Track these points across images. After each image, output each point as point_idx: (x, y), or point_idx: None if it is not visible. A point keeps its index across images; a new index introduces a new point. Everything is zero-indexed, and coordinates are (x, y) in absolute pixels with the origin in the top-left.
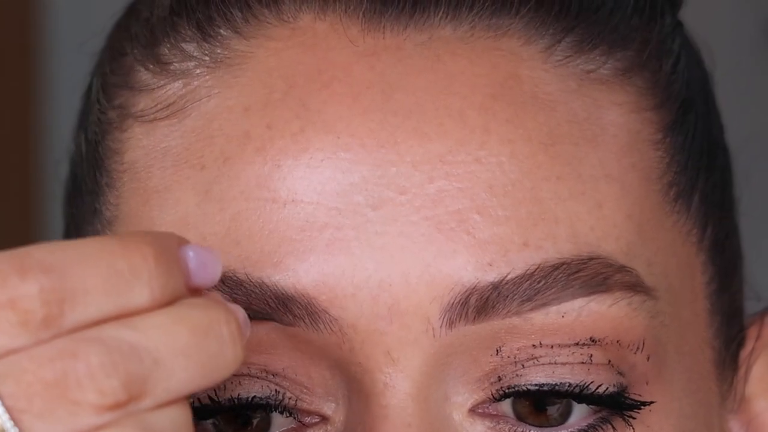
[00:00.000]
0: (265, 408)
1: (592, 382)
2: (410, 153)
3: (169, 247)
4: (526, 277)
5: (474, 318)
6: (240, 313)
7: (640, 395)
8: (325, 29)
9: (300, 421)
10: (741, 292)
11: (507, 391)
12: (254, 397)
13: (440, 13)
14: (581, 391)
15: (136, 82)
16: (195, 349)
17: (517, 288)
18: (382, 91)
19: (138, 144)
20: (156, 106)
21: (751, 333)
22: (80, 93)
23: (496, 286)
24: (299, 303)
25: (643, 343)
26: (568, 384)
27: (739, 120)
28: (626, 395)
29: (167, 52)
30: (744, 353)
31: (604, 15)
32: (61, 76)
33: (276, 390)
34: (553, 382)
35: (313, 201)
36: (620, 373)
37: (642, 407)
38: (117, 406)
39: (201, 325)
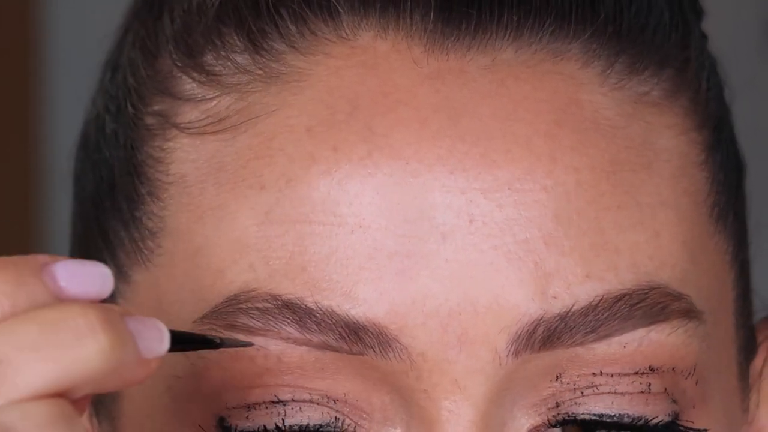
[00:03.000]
0: None
1: (649, 415)
2: (479, 180)
3: (21, 262)
4: (591, 308)
5: (539, 348)
6: (151, 326)
7: (690, 420)
8: (387, 49)
9: None
10: (752, 302)
11: (566, 418)
12: (318, 426)
13: (502, 36)
14: (642, 424)
15: (180, 91)
16: (44, 344)
17: (582, 319)
18: (449, 116)
19: (186, 157)
20: (206, 118)
21: (762, 344)
22: (80, 93)
23: (563, 318)
24: (371, 332)
25: (695, 369)
26: (626, 415)
27: (739, 120)
28: (679, 423)
29: (214, 62)
30: (756, 362)
31: (649, 34)
32: (60, 76)
33: (336, 417)
34: (612, 413)
35: (382, 227)
36: (674, 401)
37: None
38: None
39: (50, 320)
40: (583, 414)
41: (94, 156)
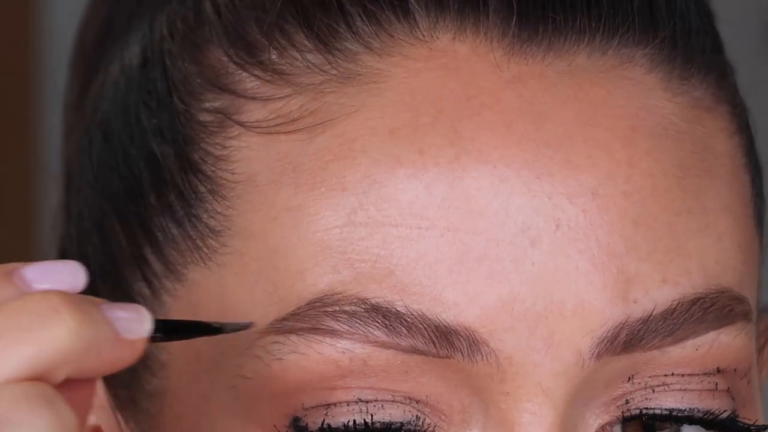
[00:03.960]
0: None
1: (717, 409)
2: (564, 185)
3: None
4: (669, 312)
5: (620, 351)
6: (130, 309)
7: (747, 419)
8: (466, 52)
9: None
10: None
11: (636, 413)
12: (401, 424)
13: (577, 40)
14: (712, 419)
15: (242, 89)
16: (10, 328)
17: (662, 323)
18: (533, 120)
19: (255, 156)
20: (276, 118)
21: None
22: None
23: (645, 322)
24: (461, 336)
25: (750, 369)
26: (697, 410)
27: None
28: (739, 420)
29: (279, 60)
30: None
31: (695, 39)
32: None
33: (417, 416)
34: (683, 407)
35: (470, 231)
36: (734, 399)
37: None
38: None
39: (13, 308)
40: (654, 408)
41: (126, 150)
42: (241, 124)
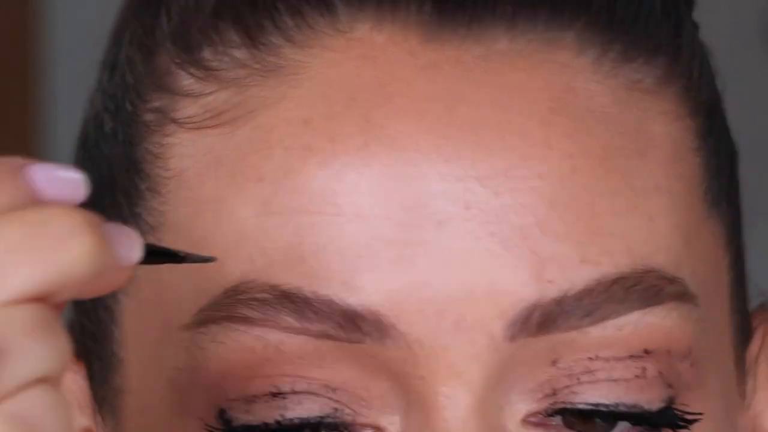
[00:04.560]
0: (327, 428)
1: (645, 402)
2: (475, 168)
3: None
4: (586, 292)
5: (536, 332)
6: (128, 234)
7: (685, 404)
8: (383, 41)
9: None
10: (747, 288)
11: (560, 407)
12: (317, 419)
13: (497, 25)
14: (637, 413)
15: (178, 87)
16: (30, 245)
17: (578, 303)
18: (445, 105)
19: (185, 152)
20: (205, 113)
21: (757, 330)
22: (80, 93)
23: (558, 302)
24: (368, 320)
25: (690, 351)
26: (622, 404)
27: (739, 120)
28: (674, 407)
29: (211, 57)
30: (752, 349)
31: (642, 22)
32: (60, 75)
33: (335, 408)
34: (608, 402)
35: (379, 216)
36: (669, 385)
37: (690, 422)
38: None
39: (35, 222)
40: (579, 404)
41: (92, 154)
42: (175, 121)
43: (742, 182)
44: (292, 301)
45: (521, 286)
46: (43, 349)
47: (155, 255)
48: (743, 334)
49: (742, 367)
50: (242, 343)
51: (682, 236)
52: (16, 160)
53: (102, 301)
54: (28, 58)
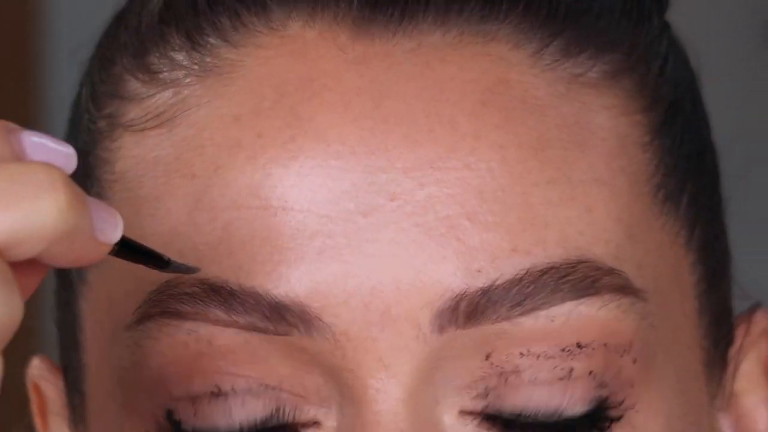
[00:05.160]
0: (270, 430)
1: (566, 408)
2: (401, 160)
3: None
4: (515, 282)
5: (464, 323)
6: (109, 211)
7: (623, 399)
8: (314, 37)
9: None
10: (730, 292)
11: (490, 413)
12: (265, 419)
13: (429, 20)
14: (555, 421)
15: (126, 92)
16: (1, 190)
17: (507, 293)
18: (372, 98)
19: (128, 153)
20: (146, 115)
21: (740, 331)
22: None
23: (486, 292)
24: (293, 311)
25: (631, 346)
26: (542, 414)
27: (739, 120)
28: (603, 409)
29: (156, 61)
30: (732, 351)
31: (591, 18)
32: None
33: (277, 407)
34: (528, 414)
35: (304, 209)
36: (601, 385)
37: (613, 423)
38: None
39: (12, 171)
40: (504, 412)
41: None
42: (122, 125)
43: (741, 182)
44: (219, 294)
45: (448, 276)
46: None
47: (139, 253)
48: (719, 334)
49: (718, 368)
50: (175, 338)
51: (625, 229)
52: (11, 124)
53: (71, 307)
54: (27, 57)
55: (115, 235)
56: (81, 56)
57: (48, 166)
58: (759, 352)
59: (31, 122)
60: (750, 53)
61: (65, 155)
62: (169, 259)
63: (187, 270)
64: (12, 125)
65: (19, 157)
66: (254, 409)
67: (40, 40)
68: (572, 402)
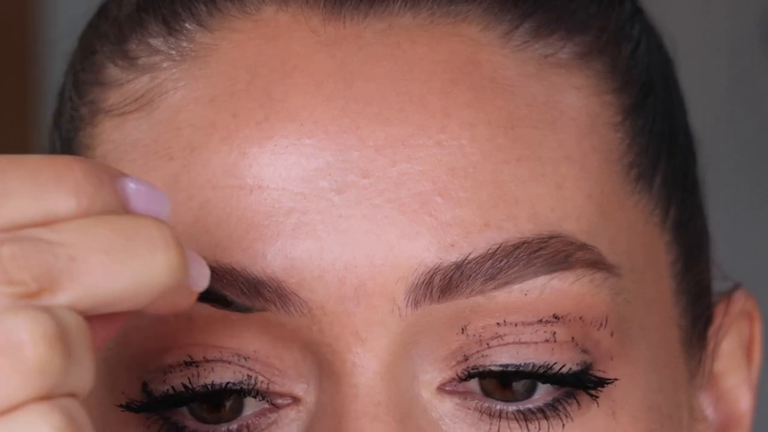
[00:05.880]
0: (238, 393)
1: (555, 363)
2: (372, 138)
3: (100, 167)
4: (488, 256)
5: (438, 297)
6: (200, 262)
7: (604, 371)
8: (287, 20)
9: (272, 404)
10: (708, 272)
11: (472, 371)
12: (228, 383)
13: (399, 2)
14: (545, 371)
15: (106, 78)
16: (117, 248)
17: (480, 267)
18: (344, 78)
19: (109, 138)
20: (125, 100)
21: (719, 310)
22: None
23: (459, 266)
24: (269, 287)
25: (606, 320)
26: (532, 365)
27: (739, 120)
28: (590, 373)
29: (135, 47)
30: (711, 330)
31: (562, 1)
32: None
33: (248, 375)
34: (518, 363)
35: (279, 187)
36: (584, 351)
37: (604, 385)
38: (27, 296)
39: (126, 227)
40: (489, 365)
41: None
42: (102, 111)
43: (742, 180)
44: None
45: (421, 250)
46: (81, 367)
47: (216, 297)
48: (696, 314)
49: (696, 347)
50: (157, 316)
51: (596, 206)
52: (113, 169)
53: None
54: (27, 57)
55: (204, 283)
56: (71, 50)
57: (159, 222)
58: (739, 332)
59: (30, 117)
60: (750, 53)
61: (163, 201)
62: (232, 300)
63: (247, 309)
64: (114, 170)
65: (122, 205)
66: (222, 375)
67: (37, 35)
68: (561, 361)
